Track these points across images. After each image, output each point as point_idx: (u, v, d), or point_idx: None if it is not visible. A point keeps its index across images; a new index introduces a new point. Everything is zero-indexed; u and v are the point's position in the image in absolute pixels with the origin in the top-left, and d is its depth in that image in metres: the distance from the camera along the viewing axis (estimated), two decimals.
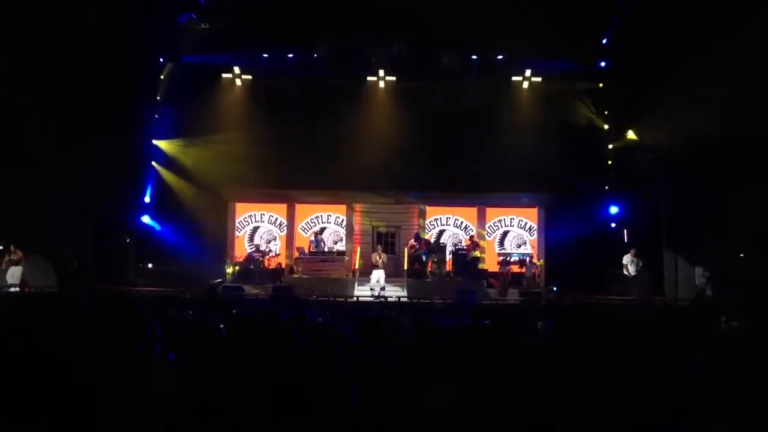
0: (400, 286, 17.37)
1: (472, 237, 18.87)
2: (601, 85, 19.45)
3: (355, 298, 15.88)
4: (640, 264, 16.29)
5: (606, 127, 19.53)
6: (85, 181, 16.94)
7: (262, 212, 20.15)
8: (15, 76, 15.27)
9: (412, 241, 18.25)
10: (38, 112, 15.60)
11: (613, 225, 19.15)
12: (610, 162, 19.56)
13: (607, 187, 19.50)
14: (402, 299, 15.70)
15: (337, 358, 3.47)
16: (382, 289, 16.81)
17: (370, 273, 17.46)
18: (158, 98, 19.55)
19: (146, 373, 2.67)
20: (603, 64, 19.22)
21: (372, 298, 15.72)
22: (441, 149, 18.90)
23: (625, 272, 16.43)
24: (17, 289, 15.00)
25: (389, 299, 15.68)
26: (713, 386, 2.94)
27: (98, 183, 17.05)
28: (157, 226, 19.08)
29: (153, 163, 19.51)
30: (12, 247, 15.21)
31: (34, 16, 15.30)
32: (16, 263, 15.36)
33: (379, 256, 17.67)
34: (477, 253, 18.23)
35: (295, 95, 19.38)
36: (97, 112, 17.22)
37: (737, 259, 15.92)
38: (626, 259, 16.40)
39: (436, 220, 20.08)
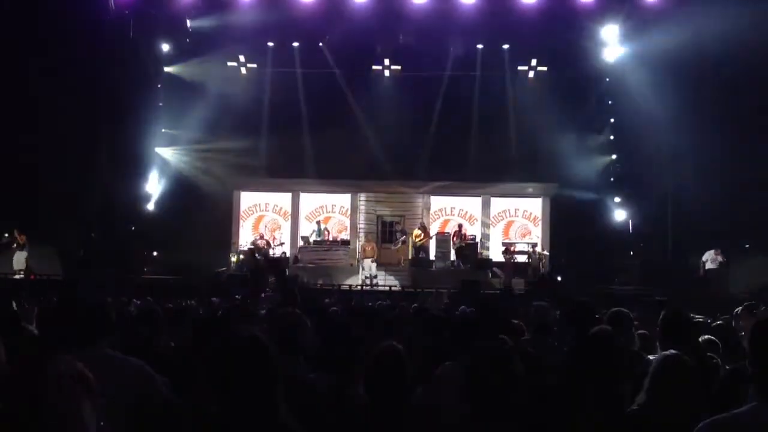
0: (401, 276, 17.37)
1: (460, 225, 18.66)
2: (607, 79, 19.30)
3: (359, 287, 15.94)
4: (722, 261, 15.57)
5: (612, 120, 19.42)
6: (92, 169, 16.98)
7: (267, 201, 20.17)
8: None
9: (416, 230, 18.23)
10: (46, 101, 15.65)
11: (618, 216, 19.06)
12: (614, 155, 19.45)
13: (612, 179, 19.40)
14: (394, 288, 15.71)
15: None
16: (374, 276, 16.84)
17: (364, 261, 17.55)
18: (163, 87, 19.52)
19: None
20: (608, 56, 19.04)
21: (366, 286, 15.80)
22: (446, 139, 18.86)
23: (702, 268, 15.72)
24: (22, 275, 15.04)
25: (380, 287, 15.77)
26: None
27: (104, 171, 17.09)
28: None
29: (158, 151, 19.51)
30: (16, 232, 15.20)
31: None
32: (22, 248, 15.34)
33: (370, 246, 17.64)
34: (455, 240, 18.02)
35: (301, 84, 19.33)
36: (103, 100, 17.27)
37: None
38: (707, 256, 15.74)
39: (440, 209, 20.05)
